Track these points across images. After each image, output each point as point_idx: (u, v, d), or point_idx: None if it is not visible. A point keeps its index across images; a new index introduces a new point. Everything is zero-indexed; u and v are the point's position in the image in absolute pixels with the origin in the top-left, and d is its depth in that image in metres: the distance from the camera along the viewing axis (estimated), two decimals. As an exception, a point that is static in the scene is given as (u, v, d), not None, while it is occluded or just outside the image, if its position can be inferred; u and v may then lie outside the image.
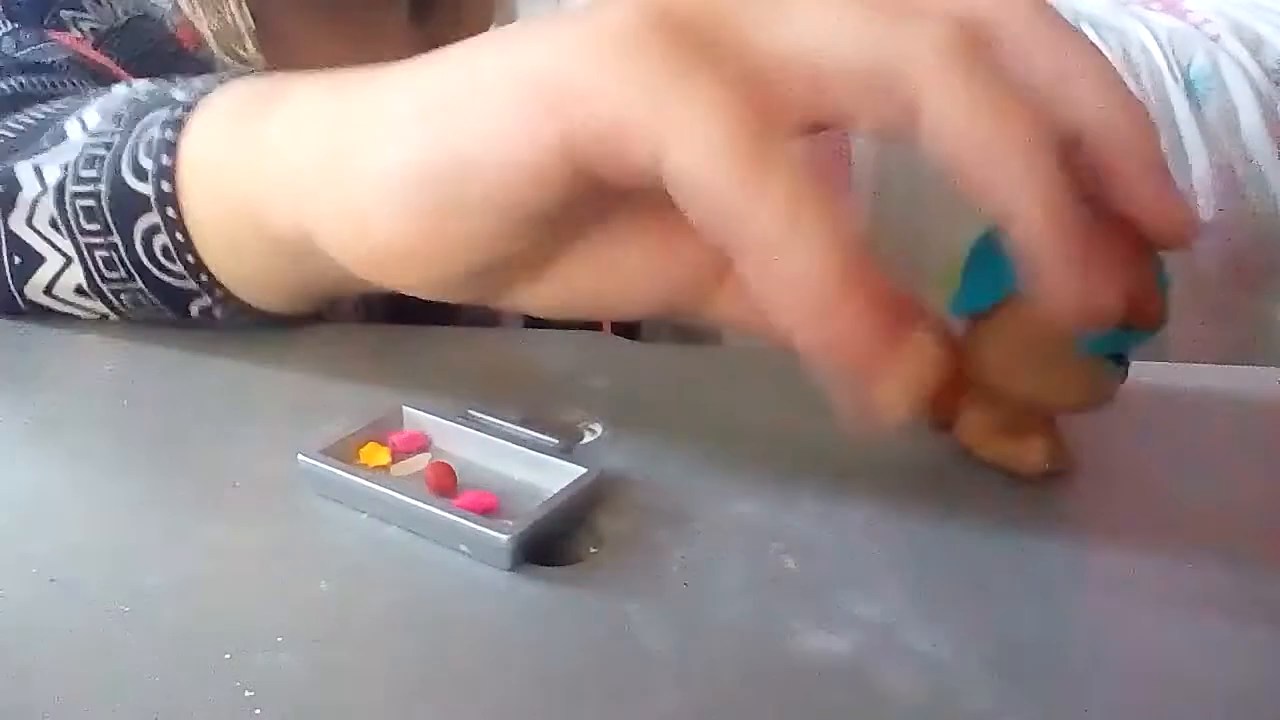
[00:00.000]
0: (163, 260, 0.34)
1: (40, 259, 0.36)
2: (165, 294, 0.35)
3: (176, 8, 0.54)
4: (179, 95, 0.35)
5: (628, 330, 0.50)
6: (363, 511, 0.27)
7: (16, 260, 0.36)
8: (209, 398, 0.34)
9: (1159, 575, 0.28)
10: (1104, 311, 0.24)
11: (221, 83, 0.35)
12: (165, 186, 0.33)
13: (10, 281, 0.37)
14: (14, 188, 0.36)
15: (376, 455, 0.29)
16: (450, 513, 0.26)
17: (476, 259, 0.29)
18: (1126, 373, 0.29)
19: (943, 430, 0.31)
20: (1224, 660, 0.25)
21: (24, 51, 0.49)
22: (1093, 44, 0.26)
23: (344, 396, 0.34)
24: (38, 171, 0.35)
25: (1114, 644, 0.25)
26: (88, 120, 0.36)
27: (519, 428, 0.30)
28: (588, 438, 0.32)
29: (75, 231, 0.35)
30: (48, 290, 0.36)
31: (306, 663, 0.23)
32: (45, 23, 0.51)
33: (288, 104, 0.32)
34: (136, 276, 0.35)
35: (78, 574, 0.25)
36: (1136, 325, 0.26)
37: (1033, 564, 0.28)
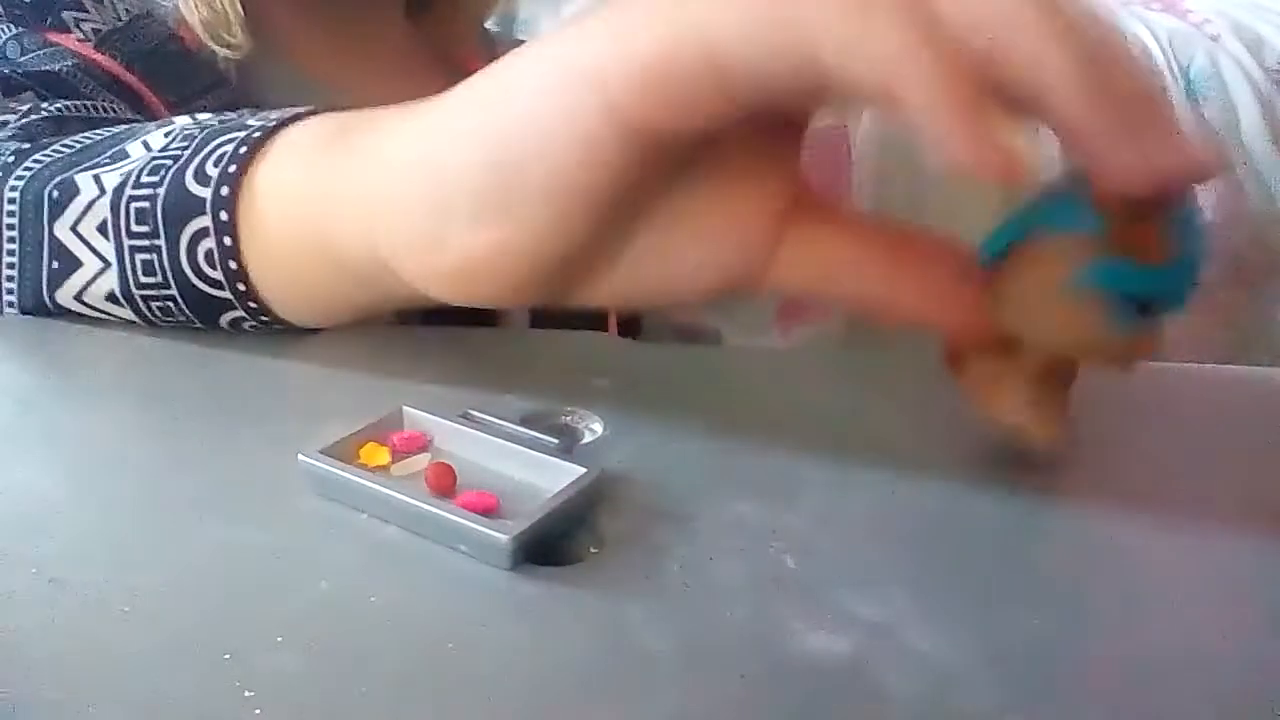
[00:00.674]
0: (204, 266, 0.35)
1: (77, 263, 0.37)
2: (198, 303, 0.36)
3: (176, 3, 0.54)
4: (253, 122, 0.36)
5: (628, 330, 0.50)
6: (363, 511, 0.27)
7: (55, 264, 0.37)
8: (209, 398, 0.34)
9: (1159, 575, 0.28)
10: (990, 165, 0.24)
11: (297, 118, 0.36)
12: (224, 191, 0.34)
13: (45, 285, 0.37)
14: (70, 193, 0.37)
15: (376, 455, 0.29)
16: (450, 513, 0.26)
17: (544, 257, 0.29)
18: (1149, 336, 0.28)
19: (953, 369, 0.31)
20: (1224, 660, 0.25)
21: (28, 57, 0.49)
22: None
23: (344, 396, 0.34)
24: (97, 179, 0.36)
25: (1114, 644, 0.25)
26: (152, 142, 0.37)
27: (519, 428, 0.30)
28: (588, 438, 0.32)
29: (122, 234, 0.36)
30: (79, 296, 0.37)
31: (306, 663, 0.23)
32: (48, 24, 0.51)
33: (364, 135, 0.33)
34: (173, 283, 0.36)
35: (78, 574, 0.25)
36: (1135, 260, 0.26)
37: (1033, 564, 0.28)
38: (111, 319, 0.37)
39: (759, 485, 0.30)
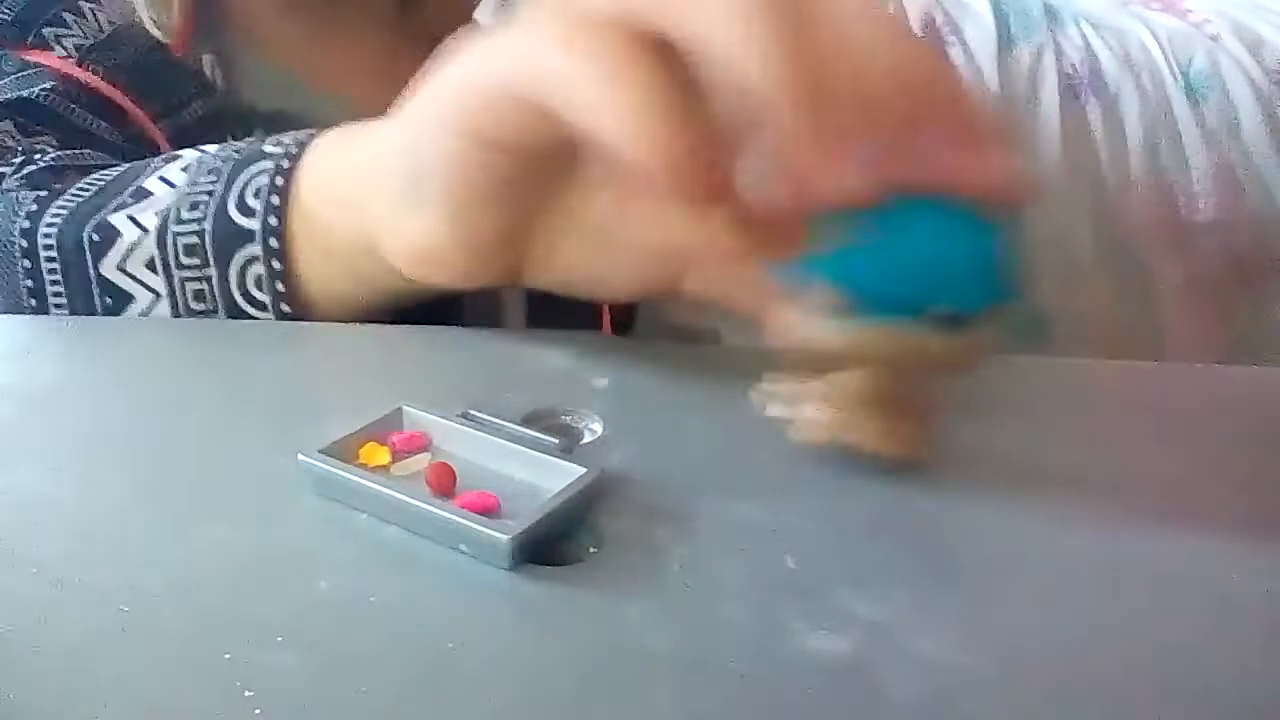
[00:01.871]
0: (252, 290, 0.38)
1: (129, 298, 0.39)
2: (235, 319, 0.39)
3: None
4: (273, 149, 0.39)
5: (623, 329, 0.50)
6: (363, 511, 0.27)
7: (108, 301, 0.39)
8: (209, 398, 0.34)
9: (1160, 575, 0.28)
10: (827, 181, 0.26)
11: (307, 142, 0.39)
12: (272, 221, 0.37)
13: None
14: (111, 234, 0.39)
15: (376, 455, 0.29)
16: (450, 513, 0.26)
17: (465, 241, 0.34)
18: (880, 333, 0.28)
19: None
20: (1225, 660, 0.25)
21: (5, 81, 0.49)
22: None
23: (344, 396, 0.34)
24: (133, 220, 0.39)
25: (1114, 644, 0.25)
26: (173, 178, 0.40)
27: (519, 428, 0.30)
28: (588, 438, 0.32)
29: (172, 268, 0.38)
30: None
31: (306, 663, 0.23)
32: (28, 42, 0.51)
33: (369, 139, 0.37)
34: (221, 308, 0.38)
35: (78, 574, 0.25)
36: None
37: (1033, 564, 0.28)
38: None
39: (759, 485, 0.30)
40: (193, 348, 0.36)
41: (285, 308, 0.38)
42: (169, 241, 0.38)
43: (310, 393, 0.34)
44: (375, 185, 0.36)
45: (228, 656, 0.23)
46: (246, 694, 0.22)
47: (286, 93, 0.44)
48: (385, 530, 0.27)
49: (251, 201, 0.38)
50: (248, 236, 0.38)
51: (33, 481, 0.29)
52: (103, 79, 0.51)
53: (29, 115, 0.47)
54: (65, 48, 0.52)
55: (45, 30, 0.51)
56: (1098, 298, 0.57)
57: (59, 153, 0.46)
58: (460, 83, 0.32)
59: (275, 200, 0.37)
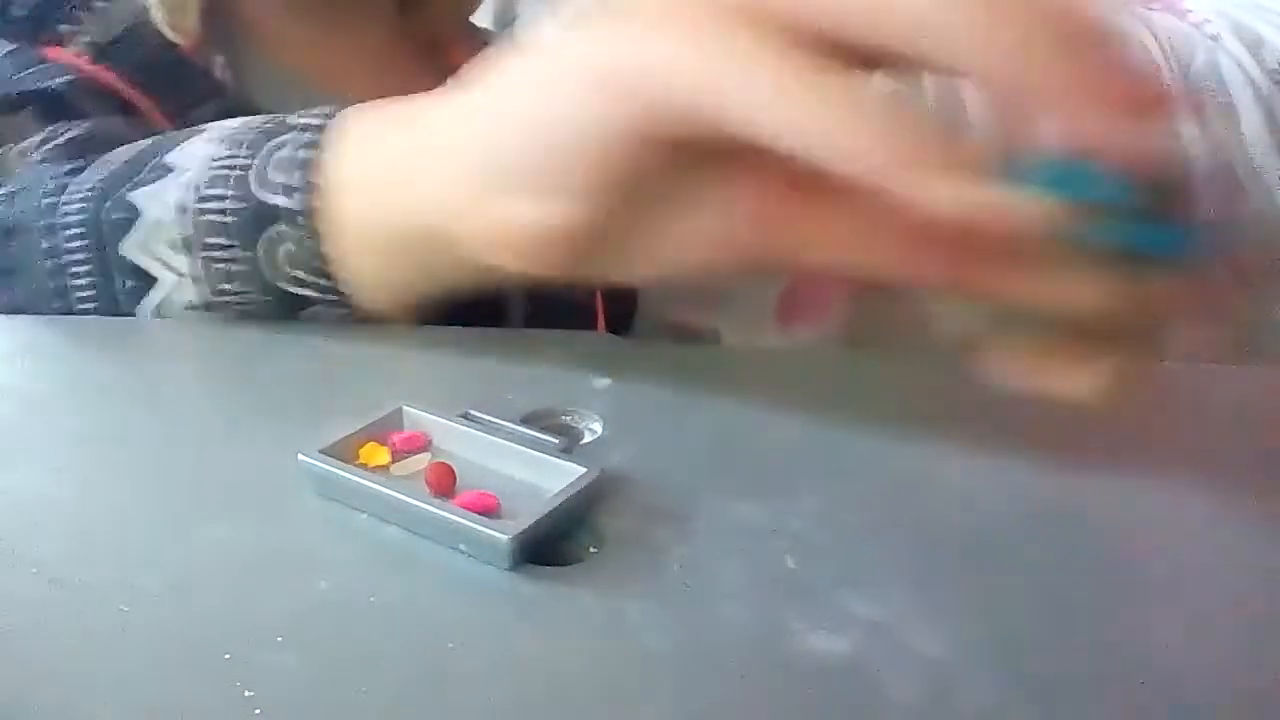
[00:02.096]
0: (286, 268, 0.36)
1: (152, 280, 0.37)
2: (280, 302, 0.37)
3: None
4: (300, 120, 0.37)
5: (619, 329, 0.50)
6: (363, 511, 0.27)
7: (128, 284, 0.37)
8: (209, 398, 0.34)
9: (1160, 575, 0.28)
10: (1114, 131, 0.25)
11: (336, 113, 0.37)
12: (299, 198, 0.35)
13: (121, 304, 0.38)
14: (131, 214, 0.37)
15: (376, 455, 0.29)
16: (450, 513, 0.26)
17: (576, 232, 0.31)
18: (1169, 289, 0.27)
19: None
20: (1225, 660, 0.25)
21: (24, 74, 0.49)
22: None
23: (344, 396, 0.34)
24: (155, 197, 0.37)
25: (1115, 643, 0.25)
26: (196, 151, 0.38)
27: (519, 428, 0.30)
28: (588, 438, 0.32)
29: (196, 248, 0.37)
30: (158, 311, 0.38)
31: (306, 663, 0.23)
32: (43, 39, 0.51)
33: (420, 119, 0.35)
34: (256, 288, 0.37)
35: (78, 574, 0.25)
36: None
37: (1033, 564, 0.28)
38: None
39: (759, 485, 0.30)
40: (193, 347, 0.36)
41: (324, 283, 0.36)
42: (190, 220, 0.37)
43: (310, 393, 0.34)
44: (449, 168, 0.34)
45: (228, 656, 0.23)
46: (246, 694, 0.22)
47: (290, 92, 0.43)
48: (385, 530, 0.27)
49: (278, 177, 0.36)
50: (276, 214, 0.36)
51: (33, 481, 0.29)
52: (118, 78, 0.51)
53: (49, 106, 0.47)
54: (80, 45, 0.52)
55: (61, 27, 0.52)
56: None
57: (87, 124, 0.44)
58: (603, 68, 0.30)
59: (303, 176, 0.36)
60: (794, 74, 0.26)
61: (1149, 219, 0.26)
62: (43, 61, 0.50)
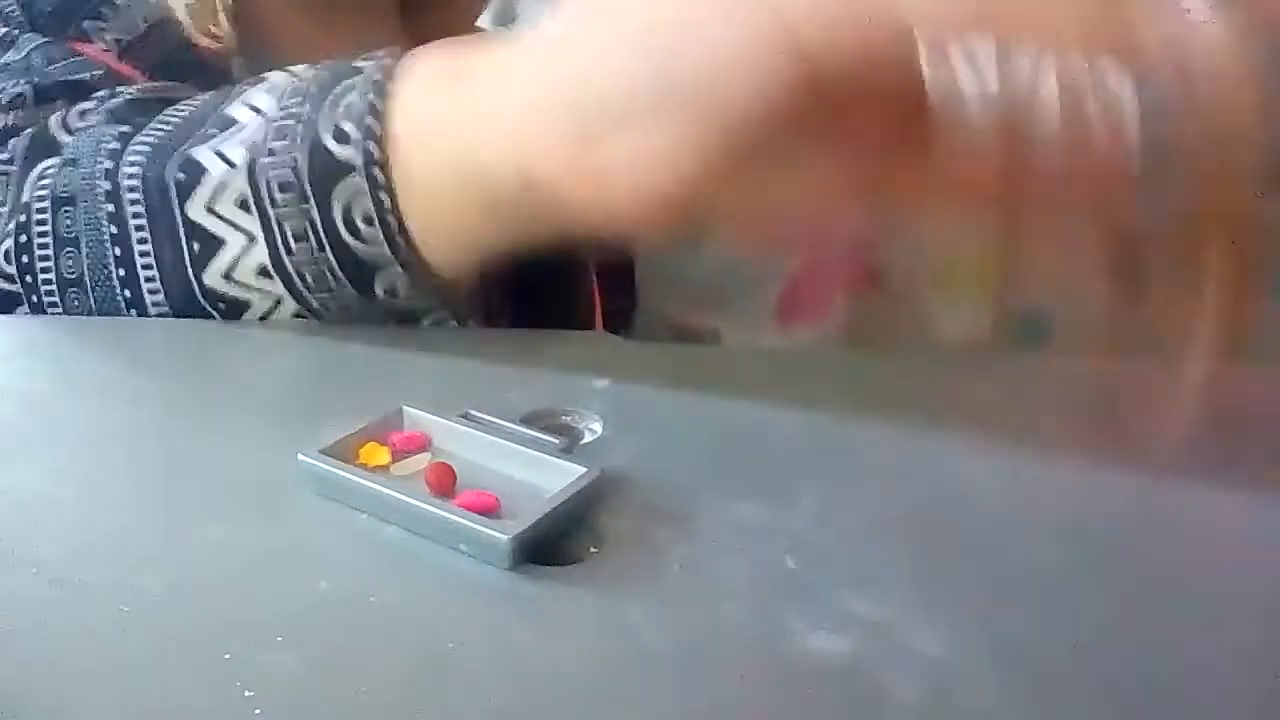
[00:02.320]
0: (360, 225, 0.35)
1: (220, 242, 0.36)
2: (353, 266, 0.35)
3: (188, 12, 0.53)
4: (362, 64, 0.35)
5: (618, 328, 0.50)
6: (363, 511, 0.27)
7: (196, 247, 0.36)
8: (209, 398, 0.34)
9: (1160, 574, 0.28)
10: None
11: (400, 54, 0.35)
12: (371, 148, 0.34)
13: (190, 268, 0.36)
14: (196, 172, 0.36)
15: (376, 455, 0.29)
16: (450, 513, 0.26)
17: (685, 174, 0.30)
18: None
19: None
20: (1225, 659, 0.25)
21: (55, 66, 0.49)
22: None
23: (344, 396, 0.34)
24: (220, 154, 0.36)
25: (1115, 643, 0.25)
26: (258, 103, 0.36)
27: (519, 428, 0.30)
28: (588, 438, 0.32)
29: (266, 205, 0.35)
30: (227, 275, 0.36)
31: (306, 663, 0.23)
32: (70, 34, 0.51)
33: (489, 58, 0.33)
34: (327, 246, 0.35)
35: (78, 574, 0.25)
36: None
37: (1033, 563, 0.28)
38: (262, 298, 0.37)
39: (759, 485, 0.30)
40: (193, 348, 0.36)
41: (400, 240, 0.35)
42: (260, 178, 0.35)
43: (310, 393, 0.34)
44: (529, 101, 0.32)
45: (228, 656, 0.23)
46: (246, 694, 0.22)
47: None
48: (385, 530, 0.27)
49: (347, 127, 0.34)
50: (347, 168, 0.34)
51: (33, 481, 0.29)
52: (142, 75, 0.52)
53: (83, 96, 0.47)
54: (105, 41, 0.52)
55: (86, 23, 0.52)
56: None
57: (144, 84, 0.43)
58: (780, 8, 0.28)
59: (372, 122, 0.34)
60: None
61: None
62: (73, 54, 0.50)
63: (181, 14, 0.53)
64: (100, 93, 0.42)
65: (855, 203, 0.31)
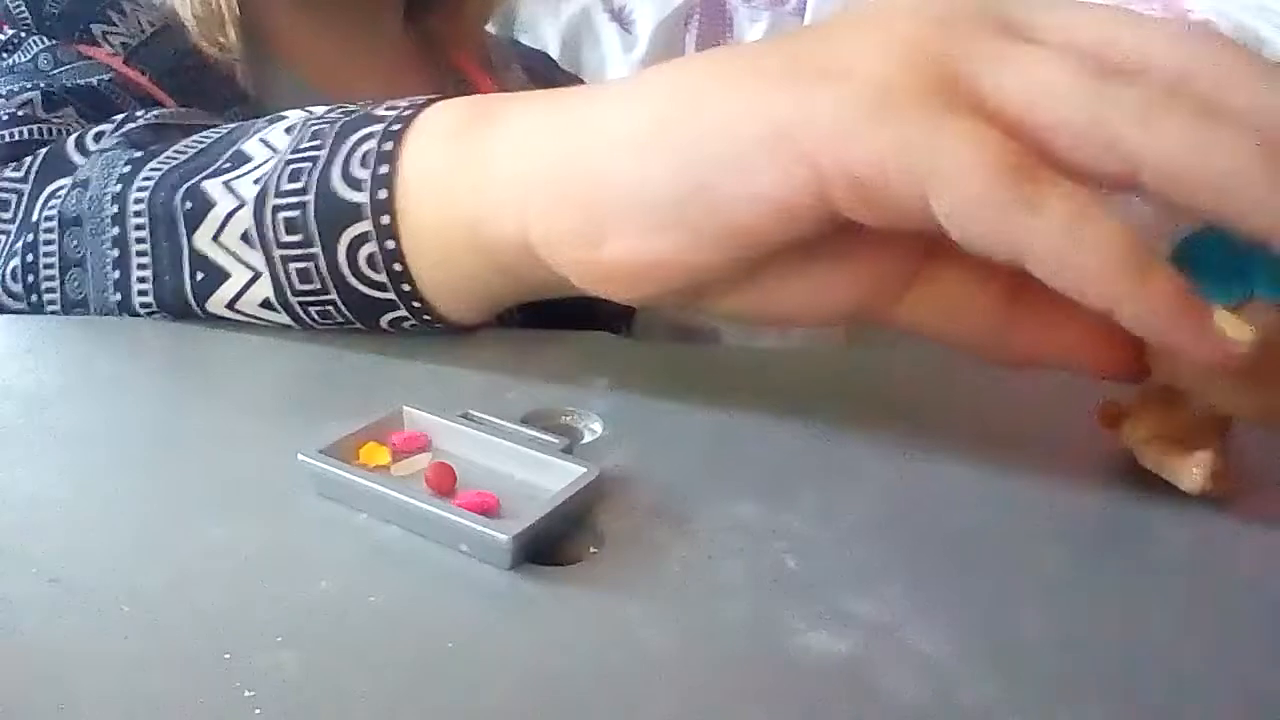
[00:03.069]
0: (365, 270, 0.34)
1: (224, 274, 0.36)
2: (359, 306, 0.35)
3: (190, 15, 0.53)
4: (382, 112, 0.35)
5: (623, 330, 0.50)
6: (363, 511, 0.27)
7: (199, 276, 0.36)
8: (209, 397, 0.34)
9: (1160, 574, 0.28)
10: None
11: (423, 105, 0.35)
12: (382, 194, 0.34)
13: (190, 296, 0.37)
14: (204, 204, 0.36)
15: (376, 455, 0.29)
16: (450, 513, 0.26)
17: (700, 276, 0.30)
18: None
19: (1110, 427, 0.31)
20: (1225, 658, 0.25)
21: (63, 70, 0.49)
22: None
23: (344, 396, 0.34)
24: (229, 187, 0.36)
25: (1114, 643, 0.25)
26: (273, 141, 0.36)
27: (519, 428, 0.30)
28: (588, 437, 0.32)
29: (271, 244, 0.35)
30: (231, 305, 0.36)
31: (306, 663, 0.23)
32: (76, 37, 0.51)
33: (507, 122, 0.33)
34: (333, 288, 0.35)
35: (78, 574, 0.25)
36: None
37: (1033, 563, 0.28)
38: (267, 324, 0.37)
39: (759, 485, 0.30)
40: (193, 348, 0.36)
41: (406, 288, 0.35)
42: (267, 216, 0.35)
43: (310, 393, 0.34)
44: (538, 177, 0.32)
45: (228, 656, 0.23)
46: (246, 694, 0.22)
47: (303, 100, 0.43)
48: (385, 530, 0.27)
49: (358, 171, 0.34)
50: (355, 213, 0.34)
51: (33, 481, 0.29)
52: (148, 80, 0.52)
53: (91, 102, 0.47)
54: (112, 45, 0.52)
55: (93, 27, 0.52)
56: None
57: (163, 109, 0.43)
58: (806, 148, 0.27)
59: (384, 170, 0.34)
60: (1008, 175, 0.25)
61: None
62: (81, 59, 0.50)
63: (189, 22, 0.53)
64: (118, 116, 0.42)
65: (862, 312, 0.32)
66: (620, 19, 1.33)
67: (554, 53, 1.21)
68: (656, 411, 0.33)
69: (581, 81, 0.93)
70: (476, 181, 0.33)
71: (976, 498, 0.30)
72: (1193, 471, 0.29)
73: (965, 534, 0.29)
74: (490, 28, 0.78)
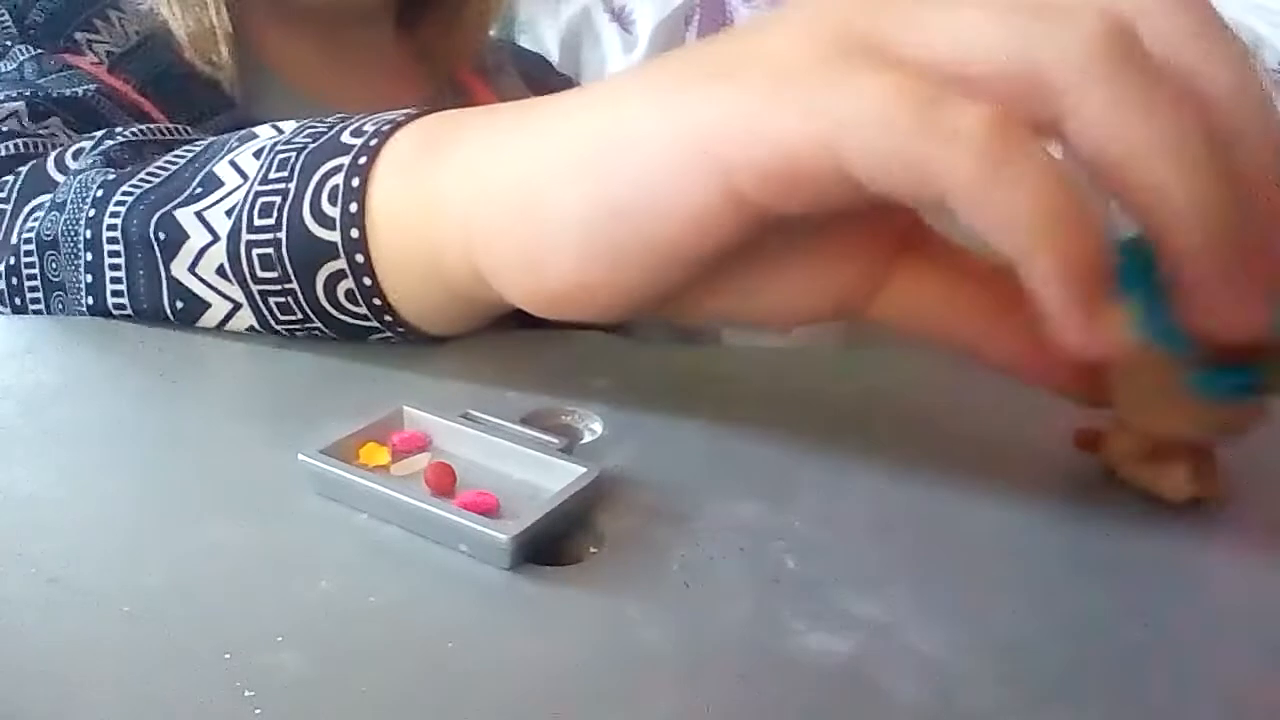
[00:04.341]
0: (345, 303, 0.35)
1: (205, 304, 0.36)
2: (345, 330, 0.36)
3: (156, 12, 0.53)
4: (349, 140, 0.35)
5: (623, 330, 0.50)
6: (363, 511, 0.27)
7: (179, 305, 0.36)
8: (209, 398, 0.34)
9: (1160, 574, 0.28)
10: (1247, 327, 0.24)
11: (389, 131, 0.35)
12: (354, 233, 0.33)
13: (171, 320, 0.37)
14: (179, 235, 0.35)
15: (376, 455, 0.29)
16: (450, 513, 0.26)
17: (642, 295, 0.30)
18: (1262, 400, 0.28)
19: (1088, 449, 0.31)
20: (1225, 658, 0.25)
21: (48, 79, 0.49)
22: (1234, 39, 0.24)
23: (344, 396, 0.34)
24: (201, 218, 0.35)
25: (1114, 643, 0.25)
26: (243, 165, 0.36)
27: (519, 428, 0.30)
28: (588, 438, 0.32)
29: (248, 279, 0.35)
30: (218, 328, 0.37)
31: (306, 663, 0.23)
32: (60, 45, 0.51)
33: (456, 149, 0.33)
34: (316, 318, 0.35)
35: (78, 574, 0.25)
36: (1251, 361, 0.26)
37: (1033, 563, 0.28)
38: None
39: (759, 485, 0.30)
40: (192, 348, 0.36)
41: (388, 318, 0.35)
42: (242, 251, 0.34)
43: (310, 393, 0.34)
44: (482, 206, 0.32)
45: (228, 656, 0.23)
46: (246, 694, 0.22)
47: (295, 110, 0.43)
48: (385, 530, 0.27)
49: (328, 209, 0.34)
50: (329, 251, 0.34)
51: (32, 481, 0.29)
52: (133, 88, 0.51)
53: (76, 113, 0.46)
54: (96, 53, 0.52)
55: (77, 35, 0.51)
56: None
57: (141, 127, 0.42)
58: (713, 150, 0.26)
59: (354, 207, 0.33)
60: (912, 101, 0.23)
61: (1247, 365, 0.26)
62: (65, 68, 0.49)
63: (182, 39, 0.53)
64: (98, 132, 0.41)
65: (838, 311, 0.32)
66: (620, 19, 1.33)
67: (554, 53, 1.21)
68: (656, 411, 0.33)
69: (578, 84, 0.93)
70: (429, 215, 0.33)
71: (977, 498, 0.30)
72: (1176, 480, 0.29)
73: (965, 534, 0.29)
74: (492, 31, 0.78)
